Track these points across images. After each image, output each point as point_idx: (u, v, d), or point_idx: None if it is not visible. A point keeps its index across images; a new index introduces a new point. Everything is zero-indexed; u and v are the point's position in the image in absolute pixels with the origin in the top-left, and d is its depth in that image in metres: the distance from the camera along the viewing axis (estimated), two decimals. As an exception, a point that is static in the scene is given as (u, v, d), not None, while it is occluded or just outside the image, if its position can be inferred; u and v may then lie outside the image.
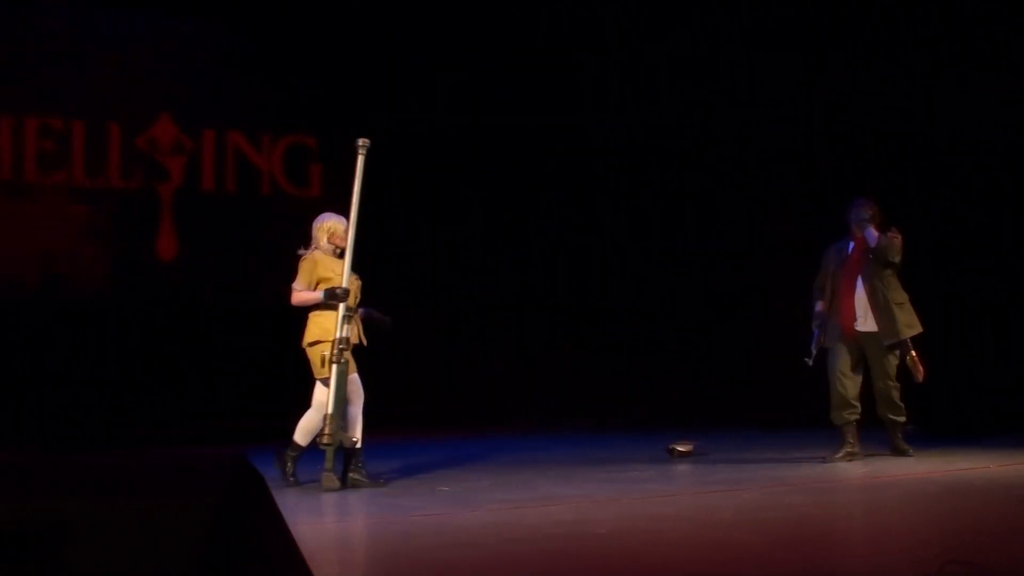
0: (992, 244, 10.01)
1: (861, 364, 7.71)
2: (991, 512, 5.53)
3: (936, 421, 9.50)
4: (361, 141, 6.82)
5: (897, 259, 7.56)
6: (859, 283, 7.63)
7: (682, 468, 7.67)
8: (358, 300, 6.73)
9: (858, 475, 7.14)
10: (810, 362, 7.74)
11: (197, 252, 10.95)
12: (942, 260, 10.00)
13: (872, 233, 7.58)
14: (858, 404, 7.64)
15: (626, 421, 11.13)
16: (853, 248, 7.73)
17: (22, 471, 2.96)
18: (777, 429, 9.81)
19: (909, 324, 7.56)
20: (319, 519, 5.39)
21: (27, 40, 10.35)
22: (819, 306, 7.80)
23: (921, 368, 7.57)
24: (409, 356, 11.43)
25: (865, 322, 7.60)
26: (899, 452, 7.76)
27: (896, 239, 7.56)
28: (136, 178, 10.78)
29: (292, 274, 6.79)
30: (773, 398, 10.59)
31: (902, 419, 7.73)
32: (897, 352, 7.63)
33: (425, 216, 11.81)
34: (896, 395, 7.64)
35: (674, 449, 8.10)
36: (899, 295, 7.61)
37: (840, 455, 7.58)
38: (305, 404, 6.77)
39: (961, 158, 10.05)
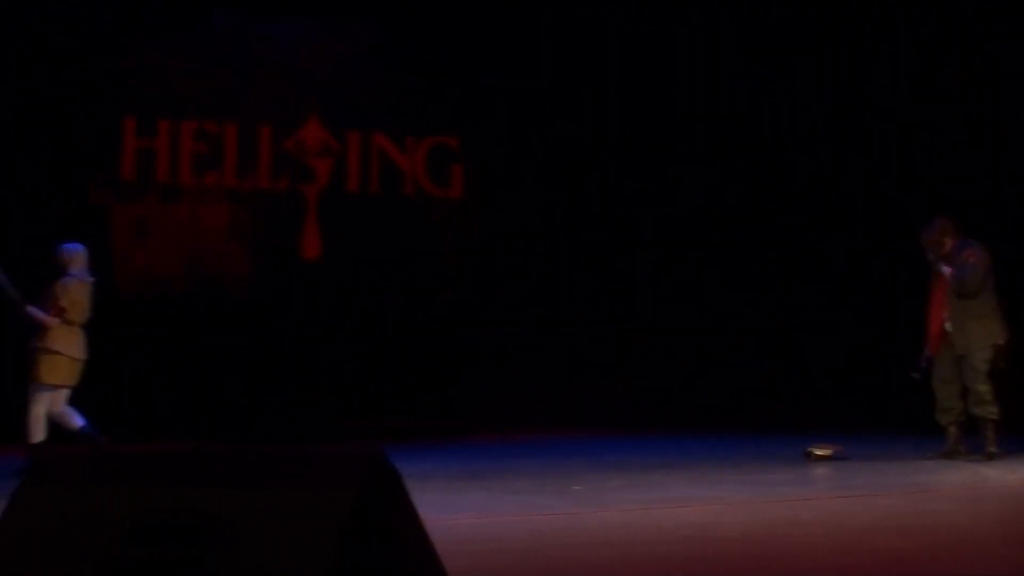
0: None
1: (956, 368, 7.98)
2: None
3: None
4: None
5: (974, 287, 7.83)
6: (946, 296, 7.95)
7: (820, 471, 7.56)
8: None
9: (1004, 482, 6.92)
10: (918, 376, 8.08)
11: (341, 252, 11.24)
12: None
13: (947, 271, 7.90)
14: (956, 405, 7.96)
15: (764, 424, 10.99)
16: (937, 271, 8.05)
17: (170, 463, 3.14)
18: (920, 433, 9.55)
19: (982, 336, 7.85)
20: (454, 516, 5.50)
21: (182, 48, 10.81)
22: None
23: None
24: (542, 354, 11.52)
25: (951, 328, 7.95)
26: (987, 450, 7.82)
27: (969, 264, 7.80)
28: (284, 179, 11.15)
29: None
30: (916, 400, 10.30)
31: (994, 417, 7.84)
32: (987, 354, 7.83)
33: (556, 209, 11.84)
34: (985, 394, 7.81)
35: (812, 452, 7.98)
36: (980, 307, 7.88)
37: (941, 453, 7.97)
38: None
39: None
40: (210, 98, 10.90)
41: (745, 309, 11.82)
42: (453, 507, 5.87)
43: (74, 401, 7.67)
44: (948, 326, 7.95)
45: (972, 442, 7.97)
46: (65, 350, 7.52)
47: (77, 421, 7.54)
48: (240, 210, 10.95)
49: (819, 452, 7.97)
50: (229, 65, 10.91)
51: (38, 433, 7.41)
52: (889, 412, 10.71)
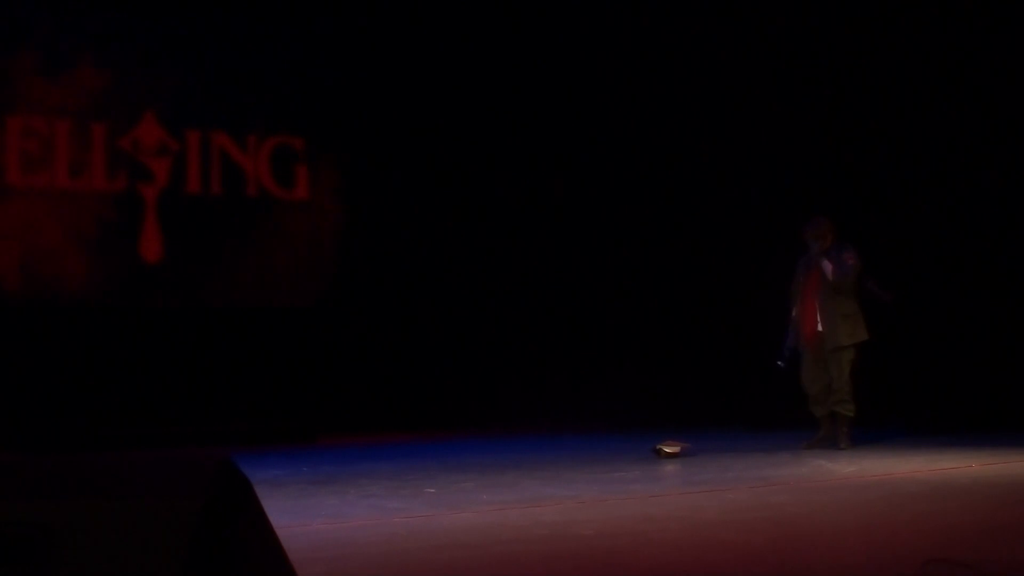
0: (971, 250, 10.07)
1: (823, 363, 8.42)
2: (974, 511, 5.55)
3: (920, 420, 9.58)
4: None
5: (850, 285, 8.28)
6: (817, 293, 8.35)
7: (669, 468, 7.68)
8: None
9: (844, 474, 7.16)
10: (782, 364, 8.50)
11: (182, 254, 10.90)
12: (928, 266, 10.06)
13: (827, 265, 8.32)
14: (828, 398, 8.41)
15: (613, 422, 11.15)
16: (813, 262, 8.46)
17: (4, 473, 2.95)
18: (765, 428, 9.84)
19: (850, 334, 8.30)
20: (307, 522, 5.38)
21: (9, 41, 10.30)
22: (793, 312, 8.57)
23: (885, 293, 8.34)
24: (392, 357, 11.43)
25: (822, 327, 8.37)
26: (840, 444, 8.28)
27: (848, 264, 8.24)
28: (120, 179, 10.73)
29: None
30: (761, 397, 10.61)
31: (850, 414, 8.33)
32: (848, 353, 8.29)
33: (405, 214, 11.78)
34: (846, 392, 8.29)
35: (661, 450, 8.11)
36: (847, 306, 8.35)
37: (813, 442, 8.40)
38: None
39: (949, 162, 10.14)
40: (36, 94, 10.42)
41: (596, 307, 11.97)
42: (306, 513, 5.74)
43: None
44: (818, 319, 8.32)
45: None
46: None
47: None
48: (75, 212, 10.50)
49: (667, 449, 8.10)
50: (59, 60, 10.45)
51: None
52: (733, 409, 11.02)
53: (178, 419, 10.19)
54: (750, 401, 10.88)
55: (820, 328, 8.34)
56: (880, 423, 9.47)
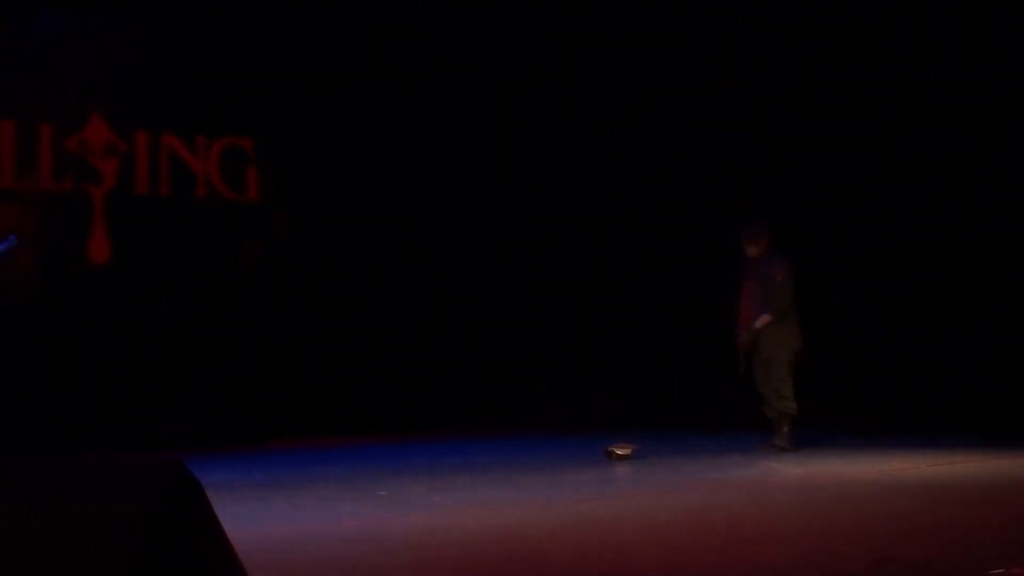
0: (914, 253, 10.19)
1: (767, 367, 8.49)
2: (926, 511, 5.62)
3: (868, 422, 9.69)
4: None
5: (784, 306, 8.36)
6: (753, 300, 8.48)
7: (621, 470, 7.71)
8: None
9: (793, 475, 7.23)
10: (741, 371, 8.58)
11: (130, 255, 10.77)
12: (872, 267, 10.18)
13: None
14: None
15: (565, 425, 11.16)
16: (748, 270, 8.60)
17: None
18: (715, 431, 9.91)
19: (786, 340, 8.38)
20: (257, 526, 5.33)
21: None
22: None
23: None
24: (346, 359, 11.38)
25: (761, 335, 8.45)
26: (775, 441, 8.37)
27: (778, 281, 8.35)
28: (67, 180, 10.59)
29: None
30: (711, 400, 10.67)
31: (791, 412, 8.37)
32: (789, 355, 8.35)
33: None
34: (785, 391, 8.35)
35: (613, 452, 8.13)
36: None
37: (770, 444, 8.40)
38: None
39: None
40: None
41: (548, 309, 11.98)
42: (257, 517, 5.69)
43: None
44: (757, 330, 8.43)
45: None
46: None
47: None
48: (21, 212, 10.33)
49: (619, 451, 8.13)
50: (4, 59, 10.29)
51: None
52: (681, 411, 11.07)
53: (128, 422, 10.08)
54: (701, 403, 10.93)
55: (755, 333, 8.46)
56: (825, 425, 9.55)
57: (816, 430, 9.05)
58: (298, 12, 11.30)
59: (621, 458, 8.08)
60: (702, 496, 6.34)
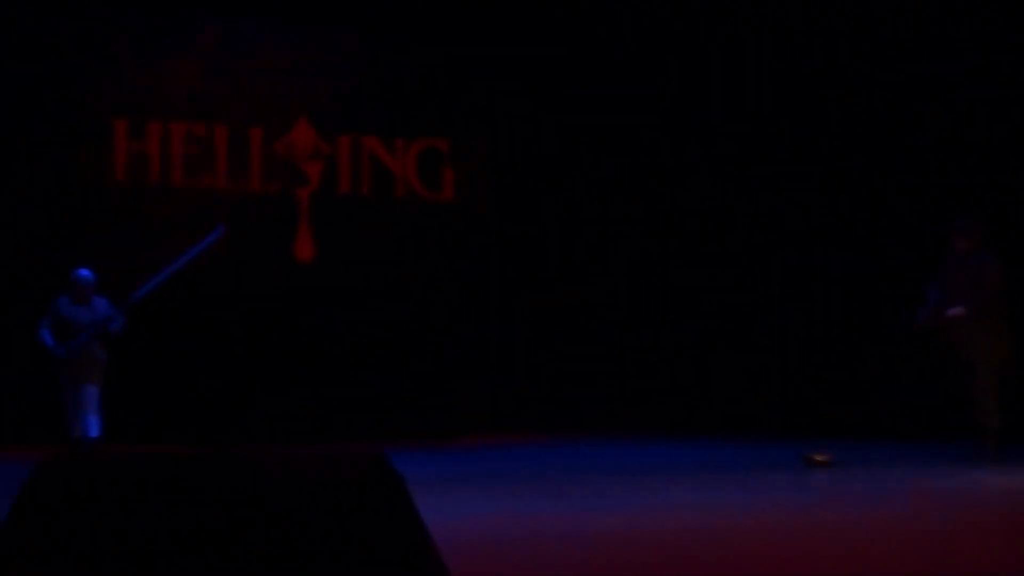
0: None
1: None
2: None
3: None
4: None
5: (983, 300, 7.70)
6: (956, 297, 7.83)
7: (819, 477, 7.51)
8: None
9: (1001, 487, 6.87)
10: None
11: (334, 254, 11.16)
12: None
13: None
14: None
15: (761, 427, 10.93)
16: (952, 266, 7.95)
17: (167, 470, 3.05)
18: (917, 440, 9.51)
19: (994, 347, 7.73)
20: (453, 519, 5.41)
21: (174, 50, 10.72)
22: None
23: None
24: (543, 357, 11.48)
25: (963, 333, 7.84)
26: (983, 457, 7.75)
27: (984, 278, 7.69)
28: (275, 182, 11.05)
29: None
30: (913, 408, 10.25)
31: (993, 426, 7.76)
32: (993, 362, 7.71)
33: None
34: (986, 402, 7.74)
35: (811, 458, 7.93)
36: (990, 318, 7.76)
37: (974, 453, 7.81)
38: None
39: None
40: (200, 101, 10.81)
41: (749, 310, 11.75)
42: (454, 512, 5.78)
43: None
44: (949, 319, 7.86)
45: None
46: None
47: None
48: (233, 213, 10.82)
49: (818, 458, 7.91)
50: (218, 69, 10.82)
51: None
52: (880, 417, 10.67)
53: (330, 417, 10.43)
54: (903, 412, 10.51)
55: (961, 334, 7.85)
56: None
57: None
58: (491, 16, 11.45)
59: (820, 465, 7.86)
60: (905, 508, 6.10)
